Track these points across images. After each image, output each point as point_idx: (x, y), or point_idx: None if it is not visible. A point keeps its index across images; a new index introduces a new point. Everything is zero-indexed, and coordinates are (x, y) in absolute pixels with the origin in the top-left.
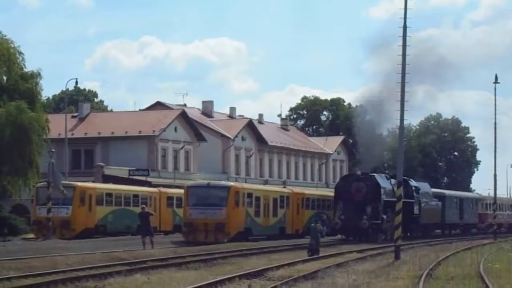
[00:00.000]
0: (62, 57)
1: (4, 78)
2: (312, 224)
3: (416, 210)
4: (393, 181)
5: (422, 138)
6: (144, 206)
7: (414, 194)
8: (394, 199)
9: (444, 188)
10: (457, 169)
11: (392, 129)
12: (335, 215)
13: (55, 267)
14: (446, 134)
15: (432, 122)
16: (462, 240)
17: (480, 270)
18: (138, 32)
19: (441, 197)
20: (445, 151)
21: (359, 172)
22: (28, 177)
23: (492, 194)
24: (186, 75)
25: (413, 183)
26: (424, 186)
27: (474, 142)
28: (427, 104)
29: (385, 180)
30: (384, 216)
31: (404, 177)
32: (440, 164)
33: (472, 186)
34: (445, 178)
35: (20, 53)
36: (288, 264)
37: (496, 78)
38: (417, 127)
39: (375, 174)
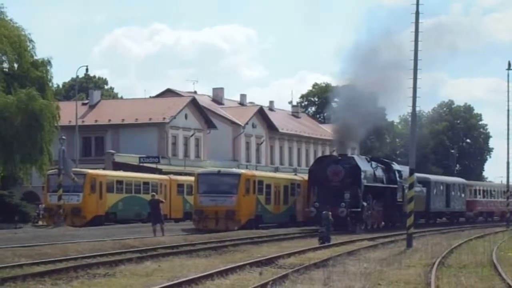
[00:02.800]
0: (71, 44)
1: (15, 65)
2: (324, 212)
3: (399, 196)
4: (374, 163)
5: (435, 125)
6: (154, 193)
7: (397, 179)
8: (377, 184)
9: (457, 175)
10: (469, 157)
11: (404, 116)
12: (308, 202)
13: (66, 254)
14: (458, 121)
15: (445, 109)
16: (474, 228)
17: (492, 258)
18: (148, 19)
19: (425, 183)
20: (458, 138)
21: (336, 153)
22: (39, 164)
23: (504, 181)
24: (196, 62)
25: (396, 166)
26: (408, 171)
27: (486, 129)
28: (438, 91)
29: (365, 162)
30: (365, 203)
31: (386, 160)
32: (453, 151)
33: (485, 173)
34: (457, 166)
35: (31, 40)
36: (299, 252)
37: (509, 64)
38: (430, 112)
39: (354, 155)
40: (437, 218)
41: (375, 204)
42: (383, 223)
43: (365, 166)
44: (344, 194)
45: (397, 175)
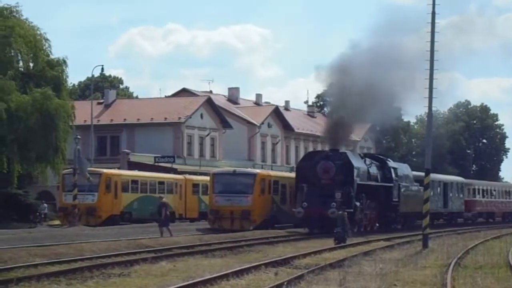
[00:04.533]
0: (86, 43)
1: (31, 65)
2: (340, 212)
3: (395, 196)
4: (368, 160)
5: (451, 125)
6: (162, 196)
7: (393, 176)
8: (371, 183)
9: (473, 177)
10: (485, 157)
11: (420, 116)
12: (296, 202)
13: (81, 254)
14: (475, 122)
15: (461, 109)
16: (490, 228)
17: (509, 259)
18: (163, 19)
19: (422, 181)
20: (474, 139)
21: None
22: (54, 163)
23: None
24: (211, 62)
25: (391, 163)
26: (404, 168)
27: (503, 129)
28: (454, 91)
29: (358, 158)
30: (358, 204)
31: (381, 156)
32: (469, 151)
33: (501, 174)
34: (474, 166)
35: (46, 39)
36: (315, 252)
37: None
38: (446, 112)
39: (346, 151)
40: (434, 219)
41: (369, 204)
42: (377, 224)
43: (358, 162)
44: (335, 193)
45: (392, 172)
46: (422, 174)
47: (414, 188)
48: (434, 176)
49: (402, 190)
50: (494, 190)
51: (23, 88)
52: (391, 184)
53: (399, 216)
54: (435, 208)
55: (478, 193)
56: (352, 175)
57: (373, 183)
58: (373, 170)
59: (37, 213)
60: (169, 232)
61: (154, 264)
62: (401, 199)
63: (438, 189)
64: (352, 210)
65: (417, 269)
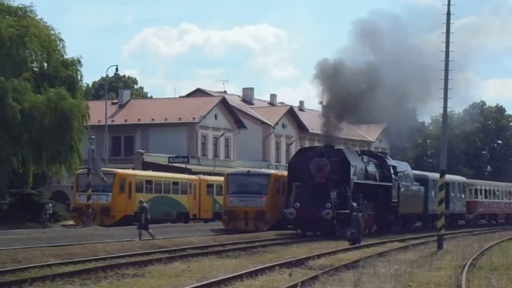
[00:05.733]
0: (101, 43)
1: (45, 65)
2: (354, 213)
3: (394, 196)
4: (365, 157)
5: (466, 126)
6: (142, 200)
7: (392, 175)
8: (369, 182)
9: (487, 178)
10: (501, 158)
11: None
12: (288, 202)
13: (95, 254)
14: (489, 122)
15: (476, 110)
16: (506, 229)
17: None
18: (177, 19)
19: (422, 181)
20: (489, 139)
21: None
22: (68, 163)
23: None
24: (226, 62)
25: (390, 161)
26: (404, 166)
27: None
28: (469, 92)
29: (355, 156)
30: (354, 204)
31: (379, 153)
32: (484, 152)
33: None
34: (488, 167)
35: (61, 40)
36: (329, 253)
37: None
38: (461, 113)
39: (342, 148)
40: (435, 221)
41: (367, 205)
42: (375, 226)
43: (355, 160)
44: (330, 193)
45: (391, 171)
46: (422, 173)
47: (414, 188)
48: (435, 175)
49: (402, 190)
50: (497, 191)
51: (38, 88)
52: (390, 184)
53: (398, 217)
54: (435, 209)
55: (481, 193)
56: (349, 173)
57: (371, 182)
58: (371, 168)
59: (43, 213)
60: (150, 235)
61: (168, 265)
62: (401, 200)
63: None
64: (348, 211)
65: (432, 270)
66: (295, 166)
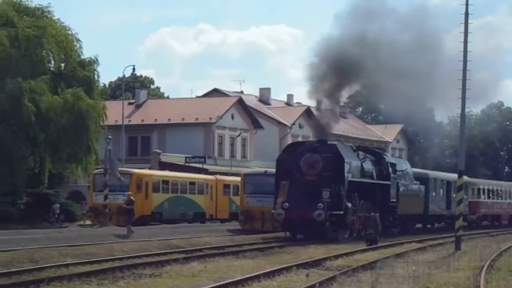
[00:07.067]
0: (117, 43)
1: (62, 65)
2: (372, 213)
3: (392, 195)
4: (361, 154)
5: (484, 126)
6: (130, 193)
7: (391, 173)
8: (365, 180)
9: (505, 178)
10: None
11: (453, 117)
12: (275, 203)
13: (112, 254)
14: (507, 123)
15: (494, 110)
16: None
17: None
18: (193, 19)
19: (423, 179)
20: (507, 140)
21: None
22: (85, 164)
23: None
24: (242, 62)
25: (389, 158)
26: (403, 164)
27: None
28: (487, 92)
29: (350, 151)
30: (349, 205)
31: (377, 149)
32: (502, 153)
33: None
34: (506, 168)
35: (78, 40)
36: (347, 254)
37: None
38: (479, 113)
39: (336, 142)
40: (436, 222)
41: (363, 205)
42: None
43: (350, 156)
44: (322, 192)
45: (390, 169)
46: (423, 171)
47: (414, 187)
48: (437, 174)
49: (401, 189)
50: (501, 190)
51: (55, 88)
52: (389, 182)
53: (398, 218)
54: (436, 210)
55: (483, 193)
56: (343, 170)
57: (368, 180)
58: (368, 165)
59: (51, 214)
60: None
61: (185, 265)
62: (400, 200)
63: (441, 189)
64: (342, 212)
65: (450, 271)
66: (284, 162)
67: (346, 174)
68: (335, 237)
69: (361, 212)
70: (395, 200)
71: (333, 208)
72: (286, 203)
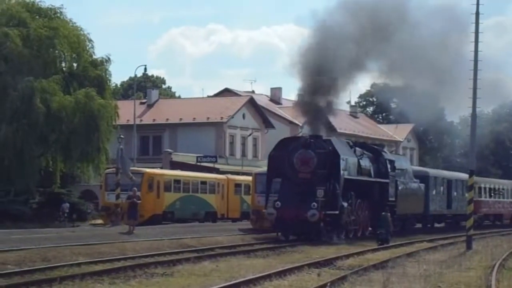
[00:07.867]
0: (129, 43)
1: (74, 65)
2: (383, 213)
3: (391, 194)
4: (358, 150)
5: (495, 125)
6: (135, 189)
7: (389, 171)
8: (362, 178)
9: None
10: None
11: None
12: (267, 201)
13: (124, 253)
14: None
15: (505, 109)
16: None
17: None
18: (204, 19)
19: (423, 178)
20: None
21: (303, 134)
22: (97, 163)
23: None
24: (254, 61)
25: (387, 155)
26: (402, 161)
27: None
28: (498, 91)
29: (347, 148)
30: (345, 204)
31: (375, 146)
32: None
33: None
34: None
35: (90, 40)
36: (358, 253)
37: None
38: (490, 112)
39: (331, 138)
40: (436, 222)
41: (360, 205)
42: (370, 228)
43: (346, 152)
44: (317, 191)
45: (388, 166)
46: (422, 169)
47: (414, 186)
48: (437, 172)
49: (400, 187)
50: (503, 189)
51: (67, 88)
52: (387, 180)
53: (396, 218)
54: (437, 209)
55: (485, 192)
56: (338, 167)
57: (365, 178)
58: (365, 162)
59: (60, 212)
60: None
61: (197, 264)
62: (399, 198)
63: (441, 188)
64: (337, 212)
65: (461, 270)
66: (276, 159)
67: (341, 172)
68: (330, 238)
69: (358, 212)
70: (393, 199)
71: (327, 208)
72: (278, 202)
